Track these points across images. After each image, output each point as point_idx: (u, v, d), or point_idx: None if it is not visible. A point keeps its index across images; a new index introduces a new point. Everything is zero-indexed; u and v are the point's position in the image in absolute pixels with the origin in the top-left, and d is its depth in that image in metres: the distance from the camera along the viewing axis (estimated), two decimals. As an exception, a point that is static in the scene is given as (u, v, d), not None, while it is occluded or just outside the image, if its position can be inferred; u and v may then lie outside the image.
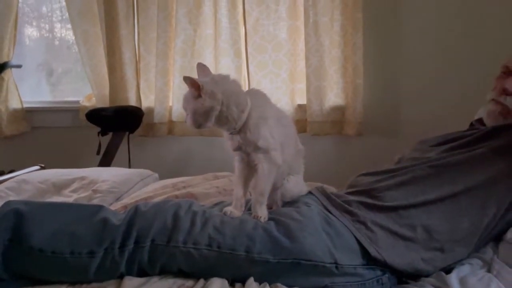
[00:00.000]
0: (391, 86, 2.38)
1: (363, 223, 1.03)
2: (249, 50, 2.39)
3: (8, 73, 2.65)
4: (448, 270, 0.99)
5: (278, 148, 1.06)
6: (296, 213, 1.02)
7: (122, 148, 2.39)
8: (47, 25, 2.98)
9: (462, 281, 0.92)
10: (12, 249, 0.92)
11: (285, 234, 0.96)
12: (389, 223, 1.03)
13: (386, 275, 0.99)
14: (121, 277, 0.94)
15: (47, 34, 2.99)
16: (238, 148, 1.07)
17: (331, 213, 1.06)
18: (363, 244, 0.99)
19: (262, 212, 1.03)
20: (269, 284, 0.94)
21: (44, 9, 2.95)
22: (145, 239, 0.94)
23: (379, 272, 0.98)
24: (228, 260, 0.94)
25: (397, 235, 1.02)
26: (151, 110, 2.50)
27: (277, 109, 1.14)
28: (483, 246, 1.08)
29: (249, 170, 1.10)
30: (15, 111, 2.69)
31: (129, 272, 0.94)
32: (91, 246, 0.93)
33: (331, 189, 1.32)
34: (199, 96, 1.00)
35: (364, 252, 0.99)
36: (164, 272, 0.96)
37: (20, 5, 2.66)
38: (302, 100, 2.40)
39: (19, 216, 0.94)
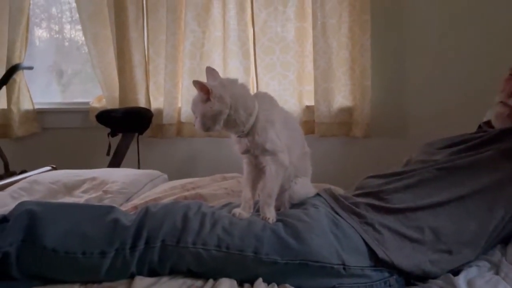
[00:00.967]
0: (398, 87, 2.38)
1: (371, 225, 1.03)
2: (257, 52, 2.40)
3: (20, 75, 2.68)
4: (455, 272, 1.00)
5: (285, 150, 1.07)
6: (304, 215, 1.03)
7: (132, 149, 2.42)
8: (56, 26, 3.01)
9: (470, 283, 0.92)
10: (26, 249, 0.94)
11: (293, 235, 0.97)
12: (397, 225, 1.04)
13: (394, 276, 0.99)
14: (132, 277, 0.95)
15: (57, 35, 3.02)
16: (246, 151, 1.09)
17: (338, 214, 1.07)
18: (370, 246, 1.00)
19: (270, 214, 1.05)
20: (277, 285, 0.95)
21: (54, 10, 2.99)
22: (155, 239, 0.96)
23: (386, 274, 0.99)
24: (237, 261, 0.95)
25: (404, 237, 1.02)
26: (160, 112, 2.52)
27: (284, 112, 1.16)
28: (491, 249, 1.08)
29: (257, 172, 1.11)
30: (27, 112, 2.73)
31: (140, 272, 0.96)
32: (103, 247, 0.95)
33: (338, 190, 1.33)
34: (208, 100, 1.02)
35: (372, 254, 0.99)
36: (174, 272, 0.98)
37: (30, 6, 2.69)
38: (310, 102, 2.41)
39: (32, 217, 0.96)
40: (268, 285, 0.95)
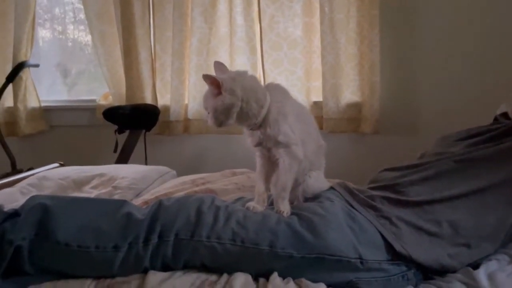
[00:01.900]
0: (408, 83, 2.35)
1: (388, 219, 1.02)
2: (264, 48, 2.38)
3: (26, 73, 2.68)
4: (474, 266, 0.98)
5: (298, 142, 1.06)
6: (320, 208, 1.01)
7: (139, 146, 2.41)
8: (60, 27, 3.01)
9: (491, 276, 0.91)
10: (38, 243, 0.93)
11: (308, 229, 0.96)
12: (414, 218, 1.02)
13: (412, 271, 0.97)
14: (145, 271, 0.94)
15: (60, 36, 3.01)
16: (259, 144, 1.08)
17: (354, 208, 1.05)
18: (388, 240, 0.98)
19: (285, 207, 1.03)
20: (293, 279, 0.93)
21: (57, 10, 2.98)
22: (169, 233, 0.94)
23: (404, 268, 0.97)
24: (252, 255, 0.94)
25: (422, 231, 1.00)
26: (167, 109, 2.51)
27: (297, 104, 1.14)
28: (510, 242, 1.06)
29: (270, 165, 1.10)
30: (33, 110, 2.73)
31: (153, 267, 0.94)
32: (116, 241, 0.93)
33: (350, 185, 1.31)
34: (219, 93, 1.00)
35: (389, 248, 0.97)
36: (187, 267, 0.96)
37: (36, 4, 2.68)
38: (318, 98, 2.39)
39: (44, 211, 0.95)
40: (283, 279, 0.93)
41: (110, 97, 2.63)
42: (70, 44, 3.02)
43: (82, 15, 2.90)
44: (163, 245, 0.94)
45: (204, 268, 0.96)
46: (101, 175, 1.58)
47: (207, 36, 2.43)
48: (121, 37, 2.50)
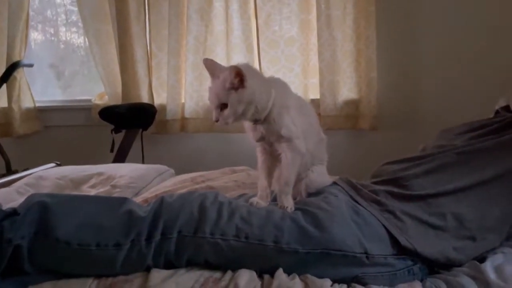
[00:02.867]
0: (405, 79, 2.35)
1: (392, 213, 1.01)
2: (261, 46, 2.38)
3: (20, 72, 2.65)
4: (480, 259, 0.97)
5: (301, 136, 1.04)
6: (324, 203, 1.00)
7: (135, 145, 2.38)
8: (52, 29, 2.98)
9: (498, 269, 0.90)
10: (38, 242, 0.91)
11: (313, 224, 0.94)
12: (418, 212, 1.01)
13: (417, 265, 0.96)
14: (147, 269, 0.92)
15: (53, 38, 2.98)
16: (261, 139, 1.06)
17: (358, 203, 1.04)
18: (393, 234, 0.97)
19: (288, 202, 1.02)
20: (298, 275, 0.92)
21: (49, 12, 2.95)
22: (172, 230, 0.93)
23: (410, 262, 0.96)
24: (256, 251, 0.92)
25: (427, 224, 1.00)
26: (163, 108, 2.49)
27: (298, 98, 1.13)
28: (515, 234, 1.05)
29: (272, 160, 1.09)
30: (28, 110, 2.69)
31: (156, 265, 0.93)
32: (118, 238, 0.91)
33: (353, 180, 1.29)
34: (240, 87, 0.96)
35: (394, 242, 0.96)
36: (191, 264, 0.94)
37: (30, 2, 2.65)
38: (316, 95, 2.39)
39: (44, 209, 0.93)
40: (288, 275, 0.91)
41: (106, 97, 2.61)
42: (62, 46, 2.99)
43: (74, 17, 2.88)
44: (166, 242, 0.92)
45: (208, 265, 0.94)
46: (99, 174, 1.56)
47: (203, 34, 2.42)
48: (116, 35, 2.48)
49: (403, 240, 0.96)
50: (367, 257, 0.93)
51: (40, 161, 1.96)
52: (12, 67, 2.56)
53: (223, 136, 2.47)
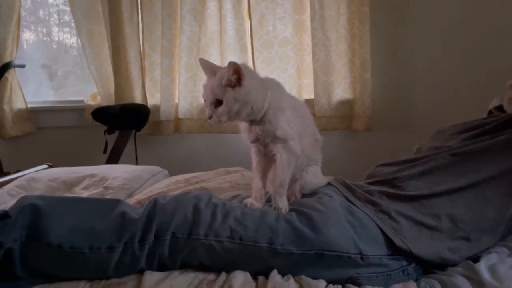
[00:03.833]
0: (399, 79, 2.35)
1: (387, 213, 1.01)
2: (255, 46, 2.37)
3: (12, 73, 2.62)
4: (474, 259, 0.97)
5: (296, 137, 1.04)
6: (318, 204, 1.00)
7: (129, 146, 2.37)
8: (44, 29, 2.95)
9: (492, 269, 0.90)
10: (29, 245, 0.90)
11: (308, 225, 0.94)
12: (413, 212, 1.01)
13: (412, 265, 0.97)
14: (141, 272, 0.92)
15: (45, 38, 2.96)
16: (256, 140, 1.06)
17: (353, 203, 1.04)
18: (387, 235, 0.97)
19: (283, 203, 1.02)
20: (293, 277, 0.91)
21: (41, 12, 2.93)
22: (165, 232, 0.92)
23: (404, 263, 0.96)
24: (251, 252, 0.92)
25: (421, 225, 1.00)
26: (157, 108, 2.47)
27: (293, 99, 1.13)
28: (509, 234, 1.06)
29: (267, 161, 1.09)
30: (20, 111, 2.66)
31: (150, 267, 0.92)
32: (110, 241, 0.91)
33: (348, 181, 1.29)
34: (237, 85, 0.96)
35: (389, 243, 0.97)
36: (184, 266, 0.94)
37: (21, 3, 2.62)
38: (310, 95, 2.38)
39: (36, 212, 0.92)
40: (283, 276, 0.91)
41: (99, 97, 2.58)
42: (55, 46, 2.96)
43: (67, 17, 2.85)
44: (160, 245, 0.92)
45: (202, 267, 0.94)
46: (92, 175, 1.55)
47: (197, 34, 2.40)
48: (109, 36, 2.46)
49: (397, 241, 0.96)
50: (361, 258, 0.93)
51: (32, 163, 1.94)
52: (4, 68, 2.53)
53: (217, 136, 2.46)
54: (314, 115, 2.33)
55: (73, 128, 2.66)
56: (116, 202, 1.00)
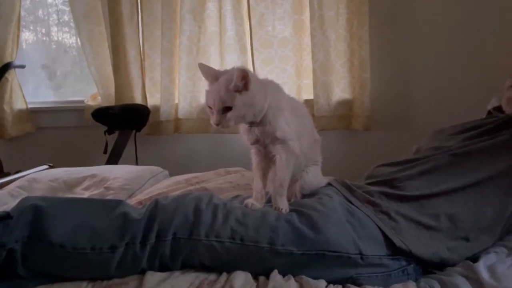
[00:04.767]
0: (398, 79, 2.36)
1: (386, 213, 1.01)
2: (254, 46, 2.37)
3: (12, 74, 2.62)
4: (473, 259, 0.98)
5: (295, 138, 1.05)
6: (319, 204, 1.00)
7: (129, 147, 2.37)
8: (43, 29, 2.95)
9: (491, 269, 0.91)
10: (32, 245, 0.90)
11: (308, 225, 0.95)
12: (412, 212, 1.02)
13: (412, 265, 0.97)
14: (142, 272, 0.92)
15: (44, 38, 2.96)
16: (256, 142, 1.07)
17: (353, 204, 1.05)
18: (387, 235, 0.97)
19: (283, 204, 1.02)
20: (293, 277, 0.92)
21: (40, 12, 2.93)
22: (166, 232, 0.93)
23: (404, 263, 0.97)
24: (252, 253, 0.93)
25: (420, 225, 1.00)
26: (157, 109, 2.48)
27: (291, 99, 1.13)
28: (507, 234, 1.06)
29: (267, 162, 1.09)
30: (20, 112, 2.66)
31: (151, 267, 0.93)
32: (112, 241, 0.91)
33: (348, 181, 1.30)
34: (245, 89, 0.96)
35: (389, 243, 0.97)
36: (186, 266, 0.95)
37: (21, 4, 2.62)
38: (309, 95, 2.39)
39: (38, 212, 0.92)
40: (283, 277, 0.92)
41: (99, 97, 2.59)
42: (54, 46, 2.96)
43: (66, 17, 2.85)
44: (161, 245, 0.92)
45: (203, 267, 0.94)
46: (92, 176, 1.55)
47: (196, 34, 2.41)
48: (109, 36, 2.46)
49: (397, 241, 0.97)
50: (361, 258, 0.94)
51: (33, 163, 1.94)
52: (4, 68, 2.54)
53: (217, 137, 2.46)
54: (313, 115, 2.33)
55: (73, 128, 2.66)
56: (118, 202, 1.00)
